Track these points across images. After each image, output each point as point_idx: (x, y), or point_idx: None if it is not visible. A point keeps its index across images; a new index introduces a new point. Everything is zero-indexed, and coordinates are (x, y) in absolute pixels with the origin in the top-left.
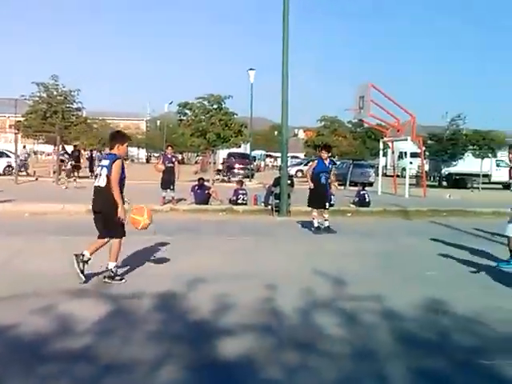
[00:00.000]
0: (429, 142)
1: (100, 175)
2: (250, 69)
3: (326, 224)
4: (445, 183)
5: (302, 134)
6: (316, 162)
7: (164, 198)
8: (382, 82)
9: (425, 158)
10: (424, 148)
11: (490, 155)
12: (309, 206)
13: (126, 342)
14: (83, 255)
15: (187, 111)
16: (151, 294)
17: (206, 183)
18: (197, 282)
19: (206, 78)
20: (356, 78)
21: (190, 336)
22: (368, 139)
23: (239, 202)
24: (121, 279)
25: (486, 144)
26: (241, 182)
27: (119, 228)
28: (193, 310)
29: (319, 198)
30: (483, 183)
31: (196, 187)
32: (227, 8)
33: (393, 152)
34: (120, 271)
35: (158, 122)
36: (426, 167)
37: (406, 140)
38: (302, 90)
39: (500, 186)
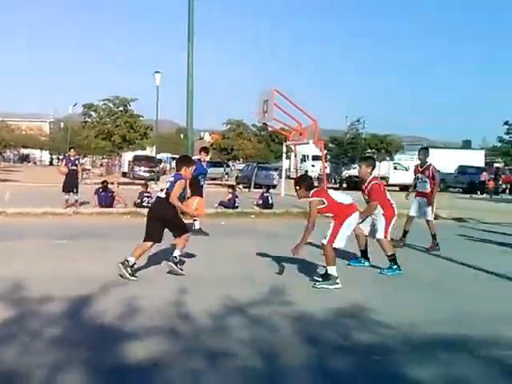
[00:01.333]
0: (330, 145)
1: (163, 189)
2: (156, 71)
3: (198, 226)
4: (345, 185)
5: (207, 137)
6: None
7: (67, 201)
8: (286, 85)
9: (326, 161)
10: (325, 151)
11: (387, 158)
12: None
13: (25, 350)
14: (128, 261)
15: (92, 113)
16: (57, 298)
17: (110, 186)
18: (103, 286)
19: (112, 79)
20: (261, 81)
21: (93, 341)
22: (272, 142)
23: (144, 204)
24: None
25: (383, 148)
26: (145, 185)
27: (181, 225)
28: (98, 315)
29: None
30: None
31: (100, 190)
32: (133, 9)
33: (296, 155)
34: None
35: (62, 123)
36: (328, 170)
37: (308, 143)
38: (209, 93)
39: (397, 188)
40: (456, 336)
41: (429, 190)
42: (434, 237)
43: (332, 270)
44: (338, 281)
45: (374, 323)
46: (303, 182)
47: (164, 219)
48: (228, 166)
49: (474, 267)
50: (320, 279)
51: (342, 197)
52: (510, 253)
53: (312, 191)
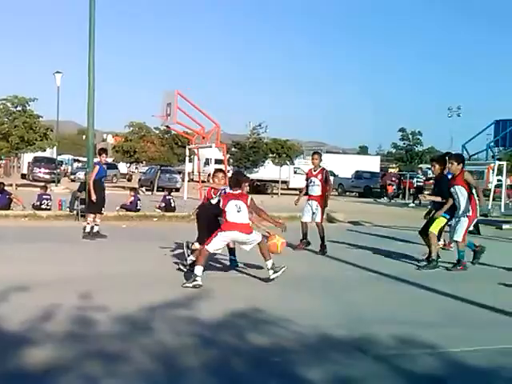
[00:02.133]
0: (233, 149)
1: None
2: (57, 72)
3: (97, 229)
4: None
5: (110, 139)
6: (97, 167)
7: None
8: (193, 89)
9: (229, 165)
10: (228, 155)
11: (288, 163)
12: (87, 211)
13: None
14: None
15: None
16: None
17: (6, 188)
18: (2, 292)
19: (10, 79)
20: (164, 83)
21: None
22: (175, 146)
23: (43, 207)
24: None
25: (284, 152)
26: (45, 187)
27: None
28: None
29: (99, 203)
30: (282, 189)
31: None
32: (32, 7)
33: (199, 159)
34: None
35: None
36: (230, 174)
37: (211, 147)
38: (112, 95)
39: (297, 192)
40: (347, 336)
41: (320, 193)
42: (322, 239)
43: (198, 270)
44: (198, 279)
45: (270, 325)
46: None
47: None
48: (116, 167)
49: (365, 268)
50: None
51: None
52: (398, 255)
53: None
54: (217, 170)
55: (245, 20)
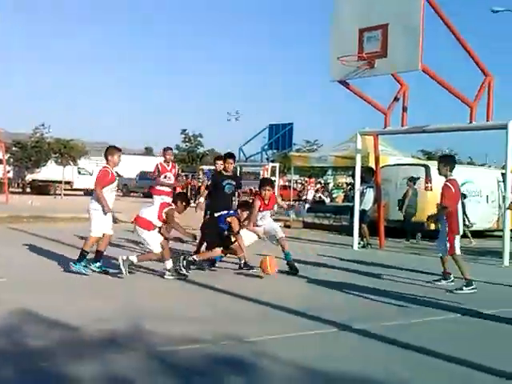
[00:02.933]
0: (13, 148)
1: None
2: None
3: None
4: (29, 189)
5: None
6: None
7: None
8: None
9: (9, 165)
10: (8, 155)
11: (71, 163)
12: None
13: None
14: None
15: None
16: None
17: None
18: None
19: None
20: None
21: None
22: None
23: None
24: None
25: (66, 152)
26: None
27: None
28: None
29: None
30: (66, 189)
31: None
32: None
33: None
34: None
35: None
36: (11, 174)
37: None
38: None
39: (82, 193)
40: (120, 333)
41: None
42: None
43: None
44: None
45: (37, 326)
46: None
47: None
48: None
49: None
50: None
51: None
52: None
53: None
54: None
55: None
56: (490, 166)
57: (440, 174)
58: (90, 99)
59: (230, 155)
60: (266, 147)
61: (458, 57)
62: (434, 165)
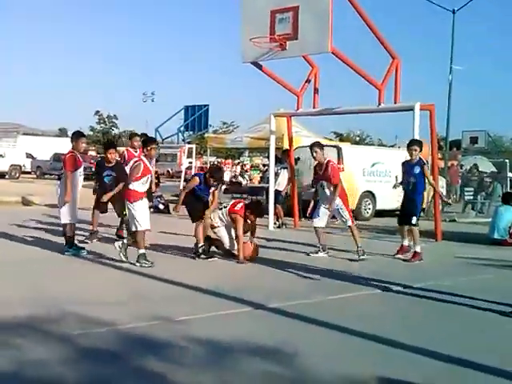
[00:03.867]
0: None
1: None
2: None
3: None
4: None
5: None
6: None
7: None
8: None
9: None
10: None
11: None
12: None
13: None
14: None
15: None
16: None
17: None
18: None
19: None
20: None
21: None
22: None
23: None
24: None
25: None
26: None
27: None
28: None
29: None
30: None
31: None
32: None
33: None
34: None
35: None
36: None
37: None
38: None
39: None
40: (31, 318)
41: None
42: None
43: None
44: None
45: None
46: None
47: None
48: None
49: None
50: None
51: None
52: None
53: None
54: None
55: None
56: (399, 147)
57: None
58: None
59: (110, 145)
60: (183, 129)
61: (367, 39)
62: (345, 146)
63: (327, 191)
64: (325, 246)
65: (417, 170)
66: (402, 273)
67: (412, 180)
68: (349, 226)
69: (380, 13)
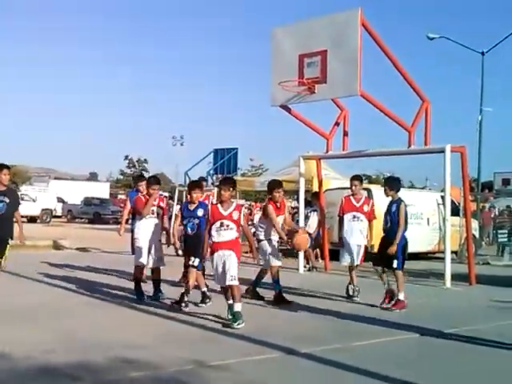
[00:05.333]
0: None
1: None
2: None
3: None
4: None
5: None
6: None
7: None
8: None
9: None
10: None
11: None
12: None
13: None
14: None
15: None
16: None
17: None
18: None
19: None
20: None
21: None
22: None
23: None
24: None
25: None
26: None
27: None
28: None
29: None
30: None
31: None
32: None
33: None
34: None
35: None
36: None
37: None
38: None
39: (25, 220)
40: (63, 364)
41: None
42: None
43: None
44: None
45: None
46: None
47: None
48: None
49: (84, 294)
50: None
51: None
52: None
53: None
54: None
55: None
56: (430, 189)
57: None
58: (31, 124)
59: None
60: (212, 172)
61: (396, 82)
62: (375, 188)
63: (358, 225)
64: (358, 288)
65: (393, 208)
66: (437, 317)
67: (389, 219)
68: (356, 265)
69: (407, 56)
